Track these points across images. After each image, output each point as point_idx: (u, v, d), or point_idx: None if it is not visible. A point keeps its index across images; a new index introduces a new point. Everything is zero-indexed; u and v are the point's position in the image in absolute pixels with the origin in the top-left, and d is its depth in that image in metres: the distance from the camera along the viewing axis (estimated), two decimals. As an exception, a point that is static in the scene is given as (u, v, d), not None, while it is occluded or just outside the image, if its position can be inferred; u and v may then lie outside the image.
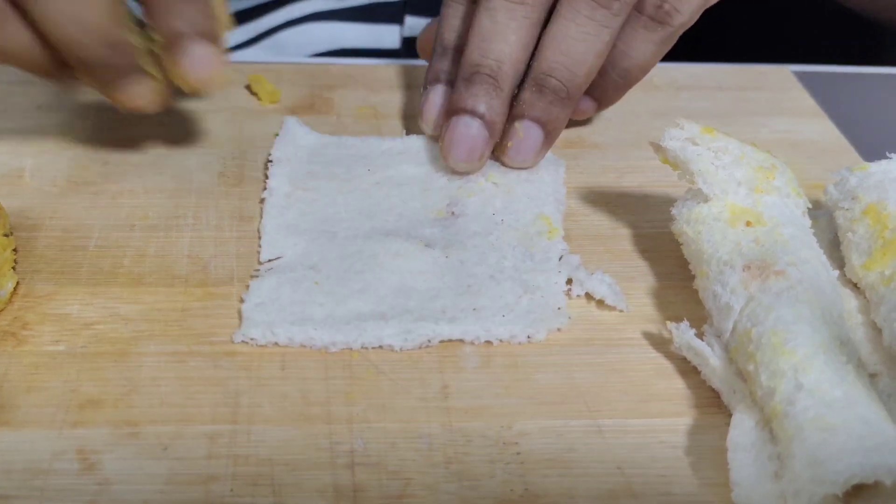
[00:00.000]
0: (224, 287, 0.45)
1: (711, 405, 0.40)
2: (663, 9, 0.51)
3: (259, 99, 0.60)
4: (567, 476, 0.37)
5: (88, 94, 0.60)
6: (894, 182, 0.45)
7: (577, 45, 0.49)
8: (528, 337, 0.43)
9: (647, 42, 0.52)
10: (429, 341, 0.42)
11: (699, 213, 0.45)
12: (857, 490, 0.33)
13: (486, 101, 0.50)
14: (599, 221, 0.51)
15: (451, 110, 0.51)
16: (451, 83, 0.53)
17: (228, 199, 0.51)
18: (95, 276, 0.45)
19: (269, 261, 0.46)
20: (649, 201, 0.52)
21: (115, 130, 0.56)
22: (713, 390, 0.41)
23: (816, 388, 0.36)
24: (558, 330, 0.43)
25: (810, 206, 0.46)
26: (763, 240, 0.43)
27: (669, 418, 0.40)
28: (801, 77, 0.65)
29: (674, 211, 0.47)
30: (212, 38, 0.47)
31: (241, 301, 0.44)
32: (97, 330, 0.42)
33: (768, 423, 0.37)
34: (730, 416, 0.39)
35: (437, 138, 0.53)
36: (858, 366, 0.38)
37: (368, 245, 0.47)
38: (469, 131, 0.50)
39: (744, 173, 0.45)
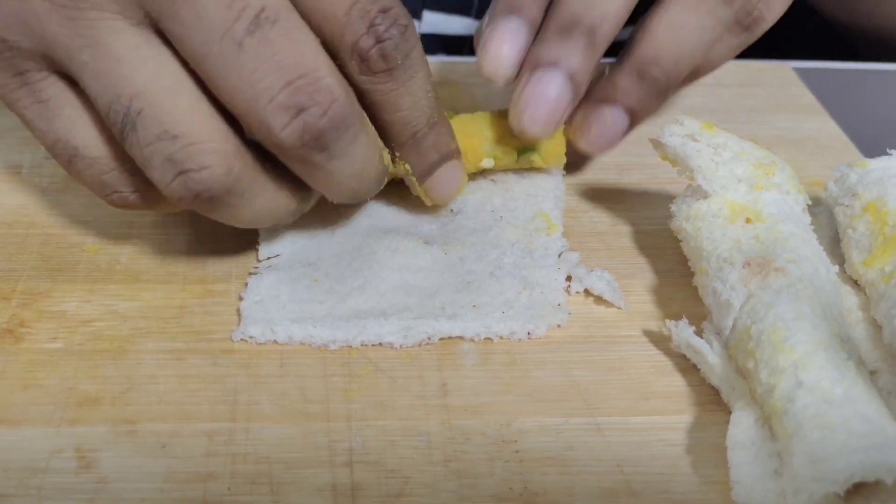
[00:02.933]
0: (222, 284, 0.45)
1: (711, 402, 0.40)
2: (752, 14, 0.46)
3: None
4: (566, 474, 0.37)
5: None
6: (894, 179, 0.45)
7: (693, 37, 0.45)
8: (528, 333, 0.43)
9: (727, 46, 0.47)
10: (428, 338, 0.42)
11: (699, 210, 0.45)
12: (858, 488, 0.33)
13: (580, 60, 0.44)
14: (599, 218, 0.51)
15: (538, 61, 0.44)
16: (532, 24, 0.45)
17: (227, 195, 0.51)
18: (93, 274, 0.45)
19: (268, 258, 0.46)
20: (649, 198, 0.52)
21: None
22: (713, 388, 0.41)
23: (816, 386, 0.36)
24: (558, 326, 0.43)
25: (810, 202, 0.46)
26: (763, 237, 0.42)
27: (669, 416, 0.40)
28: (802, 73, 0.65)
29: (673, 207, 0.46)
30: (455, 154, 0.45)
31: (240, 299, 0.44)
32: (95, 327, 0.42)
33: (768, 421, 0.37)
34: (730, 413, 0.39)
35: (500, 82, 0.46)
36: (858, 363, 0.38)
37: (367, 242, 0.46)
38: (554, 91, 0.44)
39: (743, 170, 0.45)
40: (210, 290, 0.45)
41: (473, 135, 0.48)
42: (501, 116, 0.49)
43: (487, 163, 0.49)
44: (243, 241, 0.48)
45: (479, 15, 0.75)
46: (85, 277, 0.45)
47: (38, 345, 0.41)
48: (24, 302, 0.44)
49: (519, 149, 0.49)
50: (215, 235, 0.48)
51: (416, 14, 0.75)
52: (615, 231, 0.50)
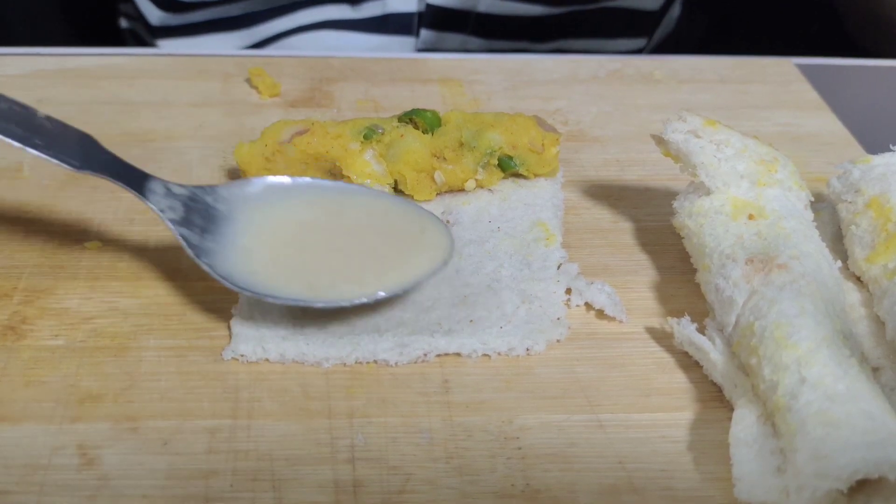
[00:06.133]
0: (224, 281, 0.45)
1: (713, 399, 0.40)
2: None
3: (259, 92, 0.60)
4: (568, 471, 0.37)
5: (89, 90, 0.60)
6: (897, 175, 0.45)
7: None
8: (527, 349, 0.42)
9: None
10: (425, 355, 0.41)
11: (701, 207, 0.45)
12: (861, 485, 0.33)
13: None
14: (601, 215, 0.51)
15: None
16: None
17: (228, 192, 0.51)
18: (95, 271, 0.45)
19: None
20: (651, 194, 0.52)
21: (114, 124, 0.56)
22: (715, 384, 0.41)
23: (820, 382, 0.36)
24: (557, 341, 0.42)
25: (812, 199, 0.46)
26: (765, 233, 0.42)
27: (671, 413, 0.39)
28: (804, 69, 0.64)
29: (675, 204, 0.46)
30: None
31: (231, 315, 0.43)
32: (97, 324, 0.42)
33: (771, 418, 0.37)
34: (732, 410, 0.39)
35: None
36: (861, 360, 0.38)
37: None
38: None
39: (746, 166, 0.45)
40: (212, 287, 0.45)
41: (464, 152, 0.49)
42: (499, 119, 0.49)
43: (470, 185, 0.49)
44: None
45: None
46: (87, 275, 0.45)
47: (40, 342, 0.41)
48: (26, 299, 0.44)
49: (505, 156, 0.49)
50: (217, 232, 0.48)
51: (413, 31, 0.74)
52: (617, 228, 0.50)
